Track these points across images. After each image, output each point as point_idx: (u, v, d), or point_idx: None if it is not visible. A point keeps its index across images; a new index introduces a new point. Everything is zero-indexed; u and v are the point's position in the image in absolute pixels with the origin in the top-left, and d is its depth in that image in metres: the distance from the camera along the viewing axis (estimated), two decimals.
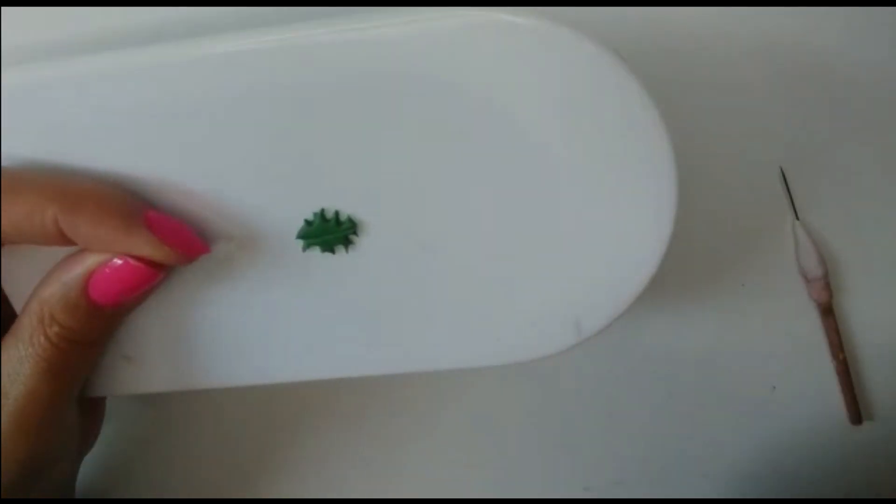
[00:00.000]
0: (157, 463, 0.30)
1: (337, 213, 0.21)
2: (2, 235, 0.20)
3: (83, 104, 0.20)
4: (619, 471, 0.31)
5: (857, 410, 0.30)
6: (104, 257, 0.20)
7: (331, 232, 0.22)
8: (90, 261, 0.20)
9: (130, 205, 0.20)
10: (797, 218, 0.28)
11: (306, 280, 0.22)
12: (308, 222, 0.22)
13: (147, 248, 0.20)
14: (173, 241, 0.20)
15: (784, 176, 0.28)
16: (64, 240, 0.20)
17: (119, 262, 0.20)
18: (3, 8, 0.26)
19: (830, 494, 0.31)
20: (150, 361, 0.23)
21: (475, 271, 0.22)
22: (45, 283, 0.21)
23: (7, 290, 0.22)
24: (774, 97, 0.28)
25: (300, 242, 0.22)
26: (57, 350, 0.20)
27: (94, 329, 0.21)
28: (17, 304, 0.22)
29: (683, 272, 0.29)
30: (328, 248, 0.22)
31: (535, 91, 0.19)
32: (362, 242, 0.22)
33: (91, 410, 0.25)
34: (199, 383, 0.24)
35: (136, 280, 0.21)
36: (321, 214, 0.21)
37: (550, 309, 0.22)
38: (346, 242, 0.22)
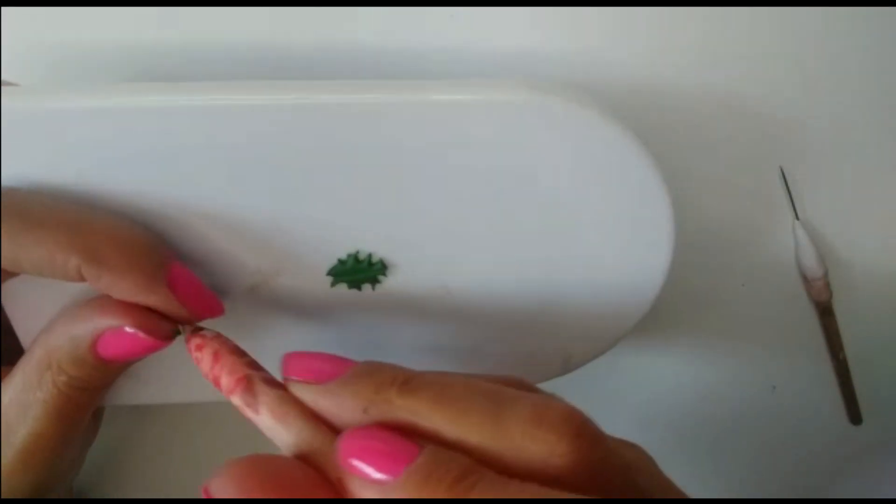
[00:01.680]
0: (157, 463, 0.30)
1: (370, 256, 0.22)
2: (19, 269, 0.19)
3: (115, 137, 0.20)
4: None
5: (857, 410, 0.30)
6: (114, 323, 0.20)
7: (362, 272, 0.23)
8: (100, 323, 0.20)
9: (155, 256, 0.20)
10: (797, 218, 0.28)
11: (328, 312, 0.23)
12: (342, 262, 0.22)
13: (165, 306, 0.20)
14: (192, 302, 0.20)
15: (784, 176, 0.28)
16: (83, 280, 0.20)
17: (128, 330, 0.20)
18: (2, 8, 0.26)
19: (830, 494, 0.31)
20: (154, 377, 0.24)
21: (485, 310, 0.24)
22: (53, 331, 0.20)
23: (10, 313, 0.22)
24: (775, 97, 0.28)
25: (329, 279, 0.23)
26: (65, 397, 0.21)
27: (101, 378, 0.21)
28: (20, 327, 0.22)
29: (683, 272, 0.29)
30: (355, 285, 0.23)
31: (552, 154, 0.21)
32: (389, 282, 0.23)
33: (93, 420, 0.25)
34: (203, 397, 0.24)
35: (143, 348, 0.20)
36: (355, 256, 0.22)
37: (545, 344, 0.24)
38: (374, 282, 0.23)
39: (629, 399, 0.31)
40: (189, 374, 0.23)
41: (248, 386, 0.18)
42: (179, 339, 0.23)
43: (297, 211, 0.22)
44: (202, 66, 0.27)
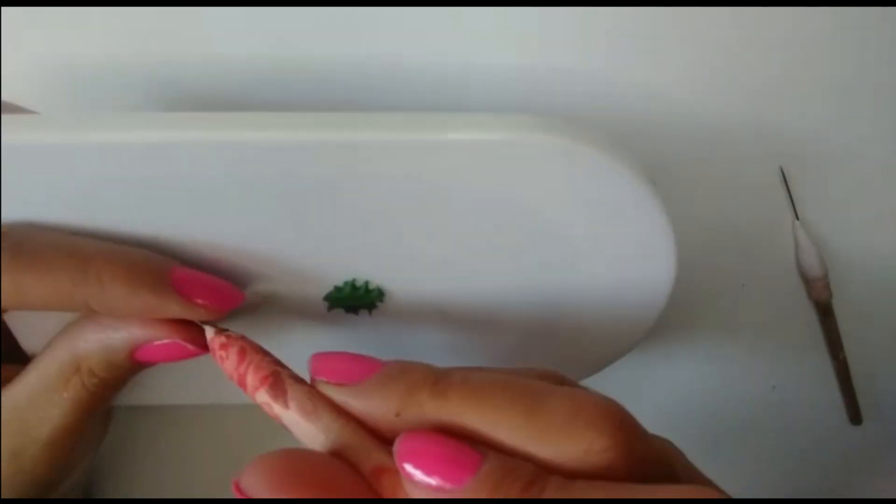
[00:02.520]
0: (157, 463, 0.30)
1: (366, 283, 0.22)
2: (26, 307, 0.20)
3: (106, 171, 0.20)
4: None
5: (857, 410, 0.30)
6: (151, 334, 0.20)
7: (358, 299, 0.23)
8: (138, 334, 0.20)
9: (156, 268, 0.20)
10: (797, 218, 0.28)
11: (324, 333, 0.23)
12: (338, 288, 0.22)
13: (179, 311, 0.20)
14: (204, 297, 0.20)
15: (784, 176, 0.28)
16: (94, 311, 0.20)
17: (168, 342, 0.20)
18: (2, 8, 0.26)
19: (830, 494, 0.31)
20: (159, 383, 0.24)
21: (482, 336, 0.24)
22: (78, 338, 0.20)
23: (12, 325, 0.22)
24: (775, 97, 0.28)
25: (326, 303, 0.23)
26: (93, 395, 0.21)
27: (132, 376, 0.21)
28: (20, 334, 0.22)
29: (683, 272, 0.29)
30: (352, 310, 0.23)
31: (559, 196, 0.21)
32: (386, 307, 0.23)
33: (104, 415, 0.25)
34: (205, 400, 0.24)
35: (183, 353, 0.21)
36: (352, 283, 0.22)
37: (542, 364, 0.24)
38: (371, 308, 0.23)
39: (629, 399, 0.31)
40: (189, 375, 0.24)
41: (276, 380, 0.18)
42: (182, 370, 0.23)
43: (293, 239, 0.21)
44: (208, 83, 0.27)
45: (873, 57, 0.27)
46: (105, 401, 0.21)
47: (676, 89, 0.27)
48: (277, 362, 0.19)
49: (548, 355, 0.24)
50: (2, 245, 0.19)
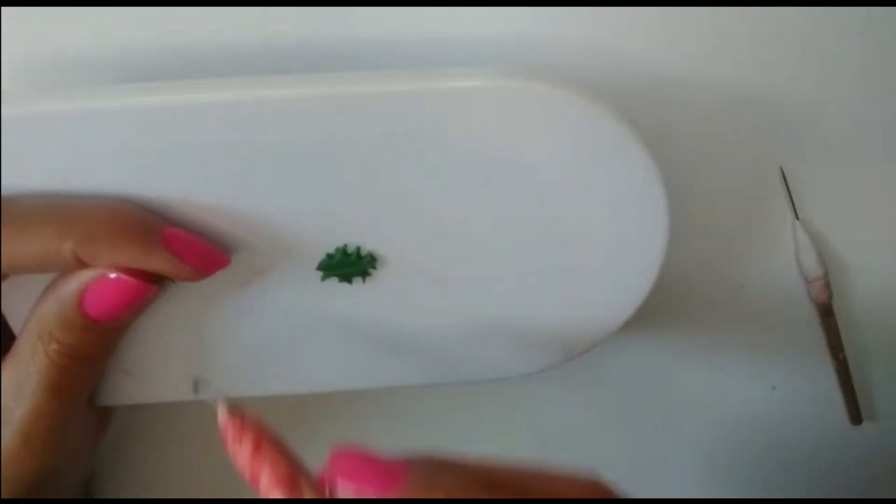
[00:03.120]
0: (157, 463, 0.30)
1: (358, 249, 0.22)
2: (20, 269, 0.20)
3: (97, 139, 0.20)
4: (619, 471, 0.31)
5: (857, 410, 0.30)
6: (97, 272, 0.20)
7: (351, 265, 0.22)
8: (83, 276, 0.20)
9: (146, 224, 0.20)
10: (797, 218, 0.28)
11: (320, 305, 0.23)
12: (330, 256, 0.22)
13: (167, 266, 0.20)
14: (193, 257, 0.20)
15: (784, 176, 0.28)
16: (84, 266, 0.20)
17: (112, 275, 0.20)
18: (2, 8, 0.26)
19: (830, 494, 0.31)
20: (152, 376, 0.24)
21: (477, 301, 0.24)
22: (42, 300, 0.21)
23: (7, 313, 0.22)
24: (775, 97, 0.28)
25: (319, 273, 0.23)
26: (57, 367, 0.20)
27: (93, 343, 0.21)
28: (17, 327, 0.22)
29: (684, 272, 0.29)
30: (346, 279, 0.23)
31: (550, 147, 0.21)
32: (379, 274, 0.23)
33: (97, 416, 0.25)
34: (200, 395, 0.24)
35: (130, 294, 0.20)
36: (343, 250, 0.22)
37: (541, 333, 0.24)
38: (364, 275, 0.23)
39: (629, 399, 0.31)
40: (186, 373, 0.24)
41: (293, 485, 0.18)
42: (177, 342, 0.23)
43: (282, 204, 0.21)
44: (195, 65, 0.26)
45: (874, 57, 0.27)
46: (74, 381, 0.21)
47: (675, 89, 0.27)
48: (294, 461, 0.18)
49: (547, 321, 0.24)
50: None
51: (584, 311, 0.24)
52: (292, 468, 0.18)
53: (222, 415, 0.19)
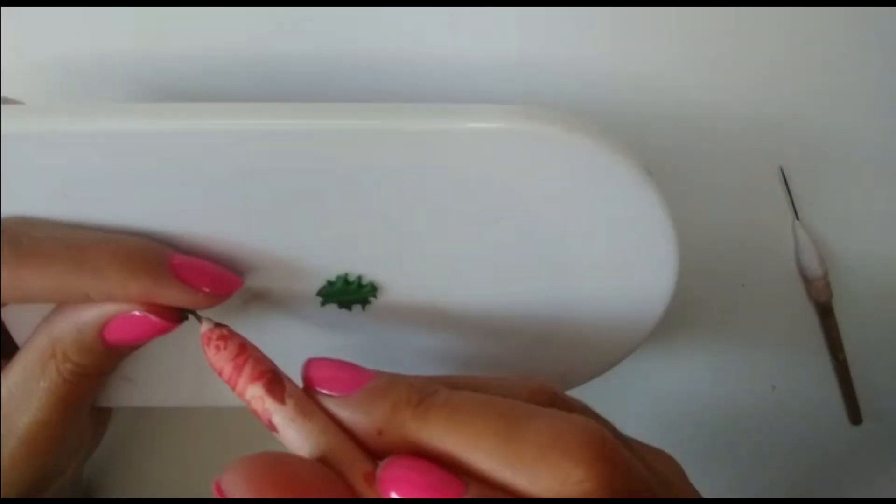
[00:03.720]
0: (157, 463, 0.30)
1: (359, 278, 0.22)
2: (30, 302, 0.20)
3: (100, 160, 0.20)
4: None
5: (857, 410, 0.30)
6: (121, 308, 0.20)
7: (351, 294, 0.22)
8: (107, 309, 0.20)
9: (154, 255, 0.20)
10: (797, 218, 0.28)
11: (318, 330, 0.23)
12: (330, 283, 0.22)
13: (179, 296, 0.20)
14: (204, 282, 0.20)
15: (784, 176, 0.28)
16: (93, 301, 0.20)
17: (137, 314, 0.20)
18: (2, 8, 0.26)
19: (830, 494, 0.31)
20: (152, 384, 0.24)
21: (478, 335, 0.23)
22: (55, 321, 0.20)
23: (7, 321, 0.22)
24: (775, 97, 0.28)
25: (319, 299, 0.22)
26: (68, 384, 0.20)
27: (107, 363, 0.21)
28: (18, 335, 0.22)
29: (683, 272, 0.29)
30: (346, 306, 0.23)
31: (559, 189, 0.21)
32: (379, 303, 0.23)
33: (97, 414, 0.25)
34: (199, 402, 0.24)
35: (152, 329, 0.20)
36: (344, 278, 0.22)
37: (541, 368, 0.24)
38: (365, 303, 0.23)
39: (628, 399, 0.31)
40: (186, 377, 0.24)
41: (275, 377, 0.18)
42: (176, 342, 0.23)
43: (285, 232, 0.21)
44: (203, 77, 0.27)
45: (875, 57, 0.27)
46: (82, 394, 0.21)
47: (675, 89, 0.27)
48: (276, 367, 0.19)
49: (548, 358, 0.24)
50: (0, 238, 0.19)
51: (586, 350, 0.24)
52: (273, 366, 0.18)
53: (207, 324, 0.19)
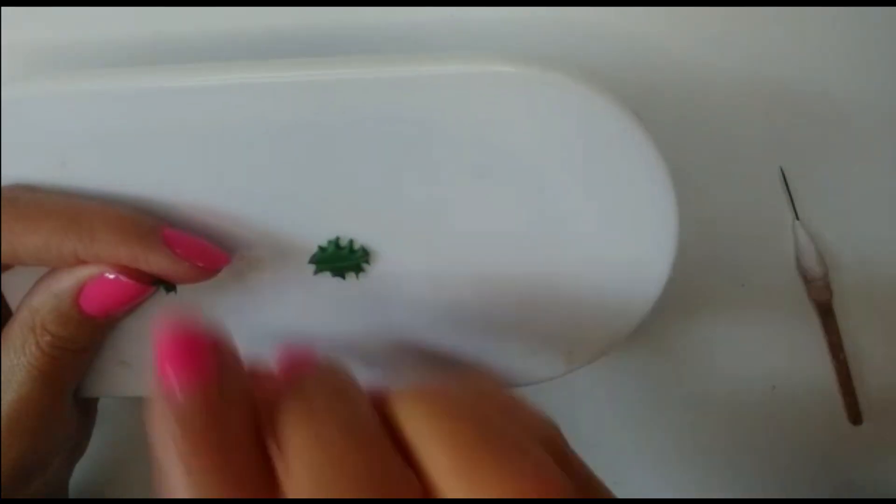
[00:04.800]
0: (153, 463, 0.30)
1: (351, 242, 0.22)
2: (18, 260, 0.20)
3: (97, 123, 0.20)
4: (619, 471, 0.31)
5: (857, 410, 0.30)
6: (95, 270, 0.20)
7: (343, 259, 0.22)
8: (82, 273, 0.20)
9: (146, 224, 0.20)
10: (797, 218, 0.28)
11: (313, 300, 0.23)
12: (322, 248, 0.22)
13: (167, 265, 0.20)
14: (192, 256, 0.20)
15: (784, 176, 0.28)
16: (81, 263, 0.20)
17: (111, 276, 0.20)
18: (2, 8, 0.26)
19: (830, 494, 0.31)
20: (149, 367, 0.24)
21: (476, 303, 0.23)
22: (35, 292, 0.21)
23: (9, 299, 0.22)
24: (775, 97, 0.28)
25: (312, 266, 0.22)
26: (49, 358, 0.20)
27: (86, 336, 0.21)
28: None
29: (683, 272, 0.29)
30: (339, 273, 0.22)
31: (549, 137, 0.20)
32: (373, 270, 0.22)
33: (83, 411, 0.25)
34: None
35: (126, 295, 0.20)
36: (335, 242, 0.22)
37: (544, 341, 0.23)
38: (358, 270, 0.22)
39: (628, 399, 0.31)
40: None
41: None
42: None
43: (273, 193, 0.21)
44: (195, 53, 0.26)
45: (875, 56, 0.27)
46: (64, 372, 0.21)
47: (676, 88, 0.27)
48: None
49: (548, 328, 0.23)
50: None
51: (588, 316, 0.23)
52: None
53: None
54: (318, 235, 0.22)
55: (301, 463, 0.15)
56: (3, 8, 0.26)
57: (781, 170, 0.28)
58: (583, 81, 0.19)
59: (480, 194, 0.21)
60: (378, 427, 0.16)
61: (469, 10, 0.26)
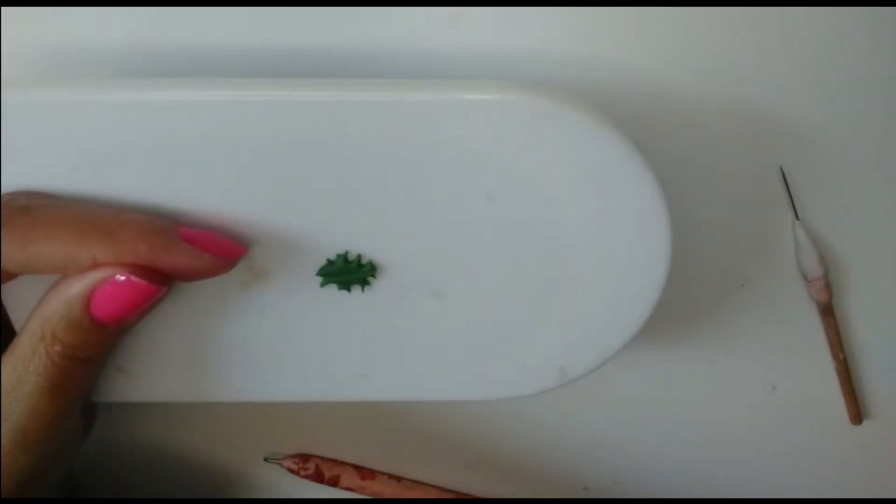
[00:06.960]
0: (156, 462, 0.30)
1: (359, 257, 0.22)
2: (34, 268, 0.20)
3: (108, 131, 0.20)
4: (618, 471, 0.31)
5: (857, 410, 0.30)
6: (105, 273, 0.20)
7: (351, 273, 0.23)
8: (91, 278, 0.20)
9: (163, 224, 0.20)
10: (797, 218, 0.28)
11: (317, 312, 0.23)
12: (330, 262, 0.22)
13: (189, 258, 0.20)
14: (210, 248, 0.21)
15: (784, 176, 0.28)
16: (97, 266, 0.20)
17: (122, 278, 0.20)
18: (2, 8, 0.26)
19: (830, 494, 0.31)
20: (146, 374, 0.24)
21: (476, 317, 0.24)
22: (46, 301, 0.20)
23: (10, 310, 0.22)
24: (775, 97, 0.28)
25: (319, 279, 0.23)
26: (58, 368, 0.20)
27: (96, 346, 0.21)
28: (19, 324, 0.22)
29: (683, 272, 0.29)
30: (345, 286, 0.23)
31: (548, 159, 0.21)
32: (378, 284, 0.23)
33: (84, 415, 0.25)
34: (194, 397, 0.24)
35: (138, 297, 0.20)
36: (344, 256, 0.22)
37: (539, 354, 0.24)
38: (364, 283, 0.23)
39: (628, 398, 0.31)
40: (183, 368, 0.24)
41: None
42: (172, 330, 0.23)
43: (285, 207, 0.22)
44: (200, 68, 0.26)
45: (875, 56, 0.27)
46: (74, 383, 0.21)
47: (675, 88, 0.27)
48: None
49: (544, 341, 0.24)
50: (11, 205, 0.19)
51: (584, 331, 0.24)
52: None
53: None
54: (328, 248, 0.22)
55: None
56: (3, 8, 0.26)
57: (781, 170, 0.28)
58: (589, 112, 0.21)
59: (486, 215, 0.22)
60: None
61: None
